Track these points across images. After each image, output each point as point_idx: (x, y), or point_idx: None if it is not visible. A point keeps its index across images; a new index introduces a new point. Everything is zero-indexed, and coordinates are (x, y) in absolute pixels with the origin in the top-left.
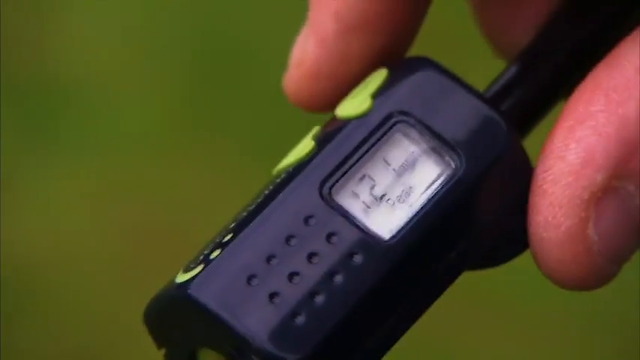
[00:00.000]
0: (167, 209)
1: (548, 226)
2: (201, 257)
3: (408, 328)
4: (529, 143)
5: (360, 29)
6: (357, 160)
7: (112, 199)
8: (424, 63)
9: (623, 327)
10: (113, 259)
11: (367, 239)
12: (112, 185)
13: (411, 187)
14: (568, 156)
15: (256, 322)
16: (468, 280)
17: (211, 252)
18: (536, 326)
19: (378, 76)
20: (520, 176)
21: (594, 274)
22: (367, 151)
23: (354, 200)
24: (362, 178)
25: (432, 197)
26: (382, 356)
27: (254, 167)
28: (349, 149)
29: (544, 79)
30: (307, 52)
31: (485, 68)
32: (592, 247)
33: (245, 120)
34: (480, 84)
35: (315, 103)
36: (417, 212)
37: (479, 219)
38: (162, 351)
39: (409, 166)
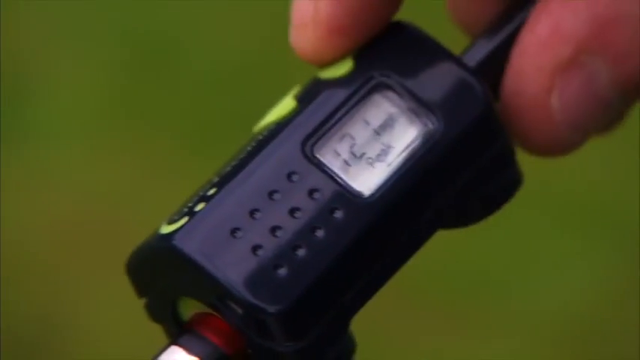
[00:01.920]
0: (100, 202)
1: (514, 94)
2: (186, 210)
3: (384, 283)
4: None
5: None
6: (339, 120)
7: (45, 190)
8: (405, 27)
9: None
10: (45, 249)
11: (347, 196)
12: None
13: (389, 147)
14: (537, 28)
15: (238, 272)
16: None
17: (195, 205)
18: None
19: None
20: (494, 139)
21: (557, 142)
22: (348, 111)
23: (335, 158)
24: (343, 137)
25: (410, 157)
26: (358, 310)
27: (187, 161)
28: (331, 109)
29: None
30: (321, 10)
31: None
32: (554, 115)
33: (177, 113)
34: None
35: (332, 59)
36: (396, 171)
37: (453, 179)
38: (143, 300)
39: (388, 126)
